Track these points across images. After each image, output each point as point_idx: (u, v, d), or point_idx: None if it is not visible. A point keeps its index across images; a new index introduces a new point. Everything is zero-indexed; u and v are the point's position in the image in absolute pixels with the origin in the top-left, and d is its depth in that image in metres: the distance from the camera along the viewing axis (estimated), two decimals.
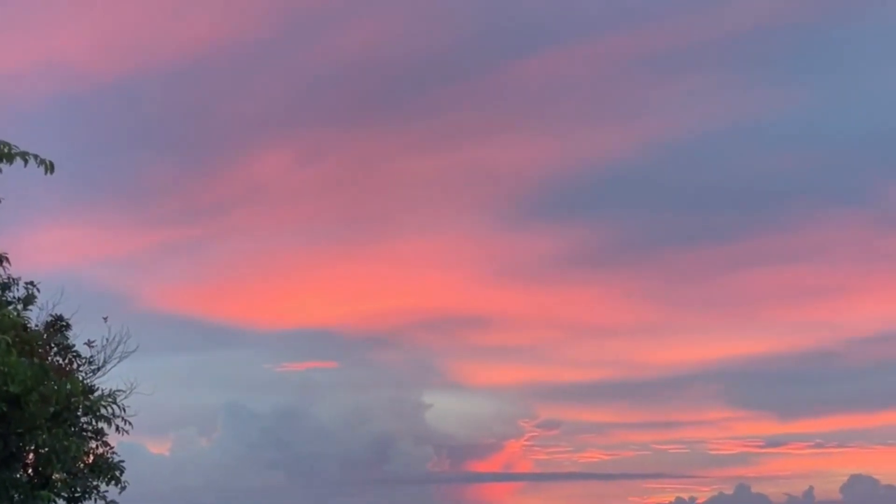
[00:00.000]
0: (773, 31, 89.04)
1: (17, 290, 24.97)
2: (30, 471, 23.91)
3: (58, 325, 25.72)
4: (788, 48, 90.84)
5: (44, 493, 22.98)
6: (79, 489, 24.70)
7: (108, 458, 25.38)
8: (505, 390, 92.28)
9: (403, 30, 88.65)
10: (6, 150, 14.96)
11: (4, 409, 21.48)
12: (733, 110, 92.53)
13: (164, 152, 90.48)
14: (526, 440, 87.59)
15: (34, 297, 25.22)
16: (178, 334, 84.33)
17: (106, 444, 25.58)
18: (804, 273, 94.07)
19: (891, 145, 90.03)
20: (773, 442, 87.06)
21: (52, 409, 22.71)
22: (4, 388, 20.60)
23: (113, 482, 25.23)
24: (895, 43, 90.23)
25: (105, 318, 25.36)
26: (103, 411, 24.27)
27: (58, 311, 25.76)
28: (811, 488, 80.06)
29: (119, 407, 24.36)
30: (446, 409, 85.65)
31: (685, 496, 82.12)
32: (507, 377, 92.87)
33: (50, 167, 12.86)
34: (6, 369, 20.10)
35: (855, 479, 79.39)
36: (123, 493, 25.51)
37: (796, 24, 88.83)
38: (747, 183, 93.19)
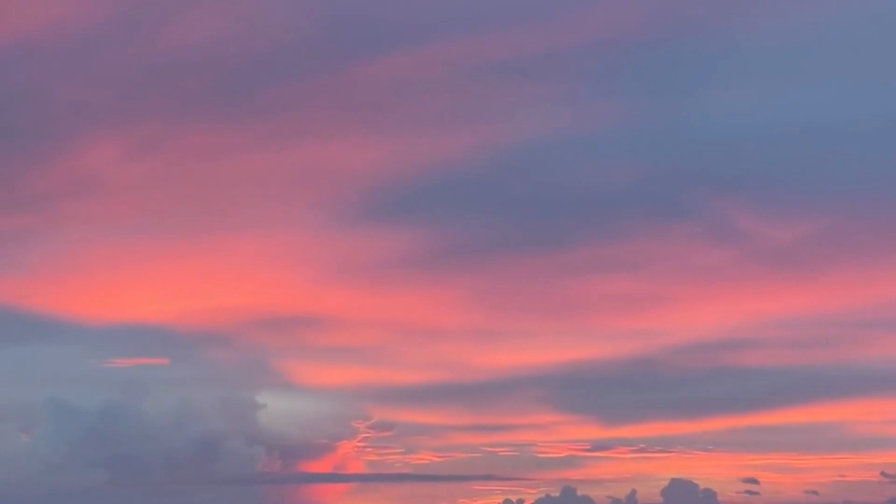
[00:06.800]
0: (610, 46, 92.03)
1: None
2: None
3: None
4: (624, 63, 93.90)
5: None
6: None
7: None
8: (339, 391, 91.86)
9: (247, 25, 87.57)
10: None
11: None
12: (568, 120, 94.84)
13: None
14: (359, 441, 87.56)
15: None
16: (0, 326, 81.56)
17: None
18: (629, 282, 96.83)
19: (714, 161, 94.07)
20: (599, 446, 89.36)
21: None
22: None
23: None
24: (725, 63, 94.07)
25: None
26: None
27: None
28: (634, 491, 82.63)
29: None
30: (280, 409, 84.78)
31: (513, 498, 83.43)
32: (341, 378, 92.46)
33: None
34: None
35: (675, 483, 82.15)
36: None
37: (633, 40, 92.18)
38: (578, 192, 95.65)
